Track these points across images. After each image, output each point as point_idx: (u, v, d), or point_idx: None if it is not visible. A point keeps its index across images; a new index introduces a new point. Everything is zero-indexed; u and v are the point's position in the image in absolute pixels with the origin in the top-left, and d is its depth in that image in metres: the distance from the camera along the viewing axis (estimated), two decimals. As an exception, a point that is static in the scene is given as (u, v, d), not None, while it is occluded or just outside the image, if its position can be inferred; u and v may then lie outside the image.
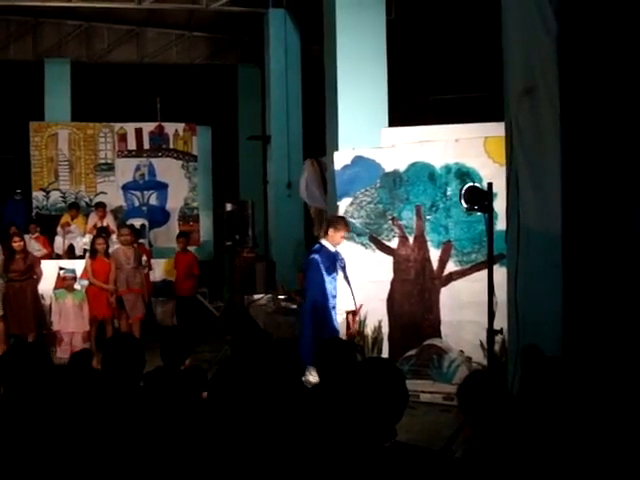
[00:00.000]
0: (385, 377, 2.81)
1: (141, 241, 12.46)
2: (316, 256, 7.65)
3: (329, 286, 7.57)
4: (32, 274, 10.66)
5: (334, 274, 7.71)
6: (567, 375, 3.77)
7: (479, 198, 5.41)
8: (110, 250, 10.66)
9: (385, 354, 8.13)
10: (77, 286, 10.67)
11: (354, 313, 7.83)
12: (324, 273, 7.58)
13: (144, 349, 4.09)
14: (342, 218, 7.99)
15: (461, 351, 7.70)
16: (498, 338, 5.98)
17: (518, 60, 4.37)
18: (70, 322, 10.36)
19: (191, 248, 12.49)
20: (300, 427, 3.60)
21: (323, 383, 4.12)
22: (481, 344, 7.03)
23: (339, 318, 7.70)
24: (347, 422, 2.92)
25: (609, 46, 3.82)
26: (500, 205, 5.49)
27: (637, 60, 3.73)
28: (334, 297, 7.63)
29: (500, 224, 5.79)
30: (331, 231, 7.78)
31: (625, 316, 3.94)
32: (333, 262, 7.71)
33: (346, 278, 7.90)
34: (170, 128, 14.98)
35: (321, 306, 7.52)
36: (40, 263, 10.97)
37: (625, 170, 3.73)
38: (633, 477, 3.18)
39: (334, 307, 7.61)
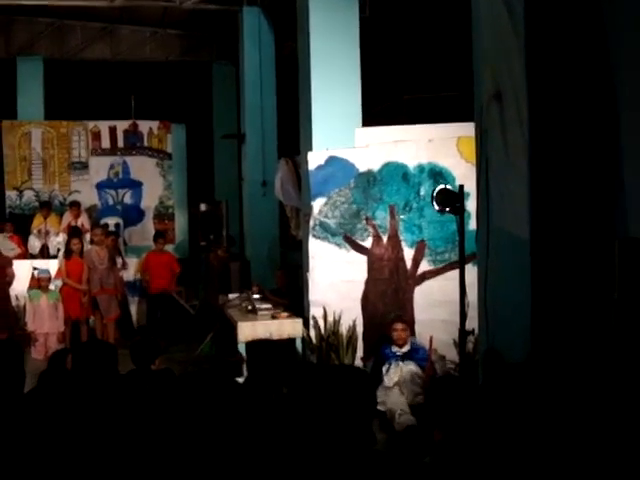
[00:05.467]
0: (354, 385, 2.84)
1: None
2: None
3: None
4: (2, 276, 10.57)
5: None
6: (528, 380, 3.83)
7: (450, 200, 5.45)
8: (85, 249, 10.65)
9: (360, 353, 8.18)
10: (52, 286, 10.63)
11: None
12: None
13: (116, 352, 4.10)
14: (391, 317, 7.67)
15: (435, 349, 7.75)
16: (471, 337, 6.04)
17: (488, 65, 4.41)
18: (45, 322, 10.32)
19: (167, 247, 12.48)
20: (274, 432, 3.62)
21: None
22: (454, 342, 7.09)
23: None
24: (318, 427, 2.94)
25: (578, 51, 3.87)
26: (473, 205, 5.53)
27: (605, 66, 3.78)
28: None
29: (473, 224, 5.84)
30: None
31: (592, 317, 4.00)
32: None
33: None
34: (144, 126, 14.89)
35: None
36: (12, 264, 10.90)
37: (592, 175, 3.78)
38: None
39: None
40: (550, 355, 4.02)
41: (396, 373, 7.27)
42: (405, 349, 7.41)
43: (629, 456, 3.32)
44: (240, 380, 5.58)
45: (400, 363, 7.29)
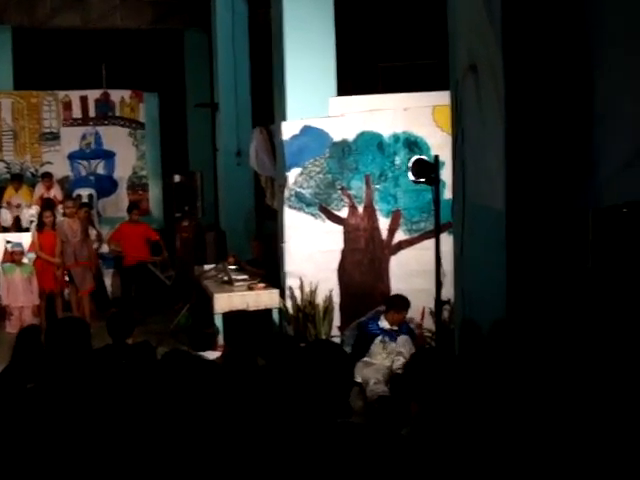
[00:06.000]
0: (331, 360, 2.85)
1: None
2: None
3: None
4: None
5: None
6: (503, 350, 3.87)
7: (426, 170, 5.45)
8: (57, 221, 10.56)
9: (336, 323, 8.21)
10: (25, 260, 10.52)
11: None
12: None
13: (89, 329, 4.07)
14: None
15: (411, 318, 7.80)
16: (447, 307, 6.08)
17: (463, 36, 4.38)
18: (19, 296, 10.23)
19: (141, 218, 12.37)
20: (251, 406, 3.63)
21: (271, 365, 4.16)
22: (431, 312, 7.13)
23: None
24: (295, 401, 2.95)
25: (554, 21, 3.85)
26: (448, 174, 5.53)
27: (581, 36, 3.77)
28: None
29: (448, 193, 5.84)
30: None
31: (567, 286, 4.03)
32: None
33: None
34: (116, 95, 14.68)
35: None
36: (-17, 238, 10.78)
37: (567, 146, 3.79)
38: (572, 449, 3.28)
39: None
40: (525, 324, 4.06)
41: (390, 354, 7.24)
42: (395, 326, 7.41)
43: (604, 424, 3.37)
44: (212, 353, 5.59)
45: (393, 344, 7.28)
